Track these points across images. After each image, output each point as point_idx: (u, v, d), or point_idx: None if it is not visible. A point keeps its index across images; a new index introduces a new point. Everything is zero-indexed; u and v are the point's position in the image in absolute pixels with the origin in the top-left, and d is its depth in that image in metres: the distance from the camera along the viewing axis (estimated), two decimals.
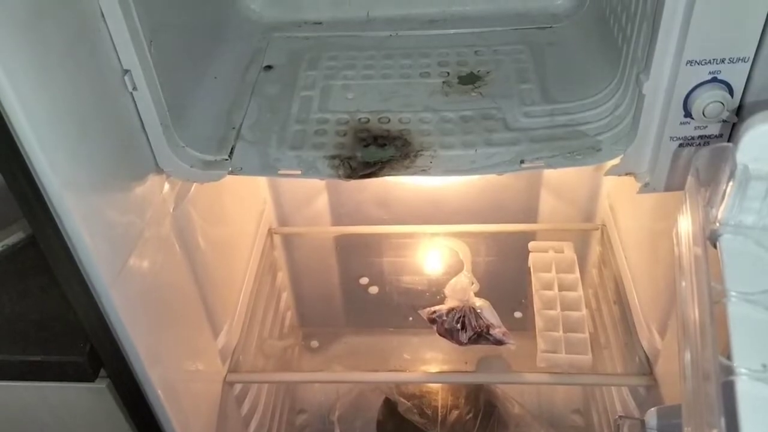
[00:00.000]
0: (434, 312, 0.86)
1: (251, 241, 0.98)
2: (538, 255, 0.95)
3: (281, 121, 0.66)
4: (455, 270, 0.94)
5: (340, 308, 1.09)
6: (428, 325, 0.87)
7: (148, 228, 0.60)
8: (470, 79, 0.70)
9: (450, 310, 0.85)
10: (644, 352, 0.79)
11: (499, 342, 0.83)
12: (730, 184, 0.38)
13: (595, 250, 1.02)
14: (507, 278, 0.98)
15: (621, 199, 0.92)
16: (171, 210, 0.66)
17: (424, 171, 0.59)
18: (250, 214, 1.00)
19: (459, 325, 0.83)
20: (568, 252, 0.95)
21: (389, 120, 0.65)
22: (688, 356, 0.32)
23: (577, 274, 0.91)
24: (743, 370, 0.30)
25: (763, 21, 0.46)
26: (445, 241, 1.00)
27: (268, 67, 0.74)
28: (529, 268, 0.94)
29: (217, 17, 0.76)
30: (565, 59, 0.71)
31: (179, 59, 0.63)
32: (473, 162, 0.60)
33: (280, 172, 0.61)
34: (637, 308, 0.82)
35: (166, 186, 0.64)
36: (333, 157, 0.61)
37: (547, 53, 0.73)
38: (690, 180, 0.40)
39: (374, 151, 0.61)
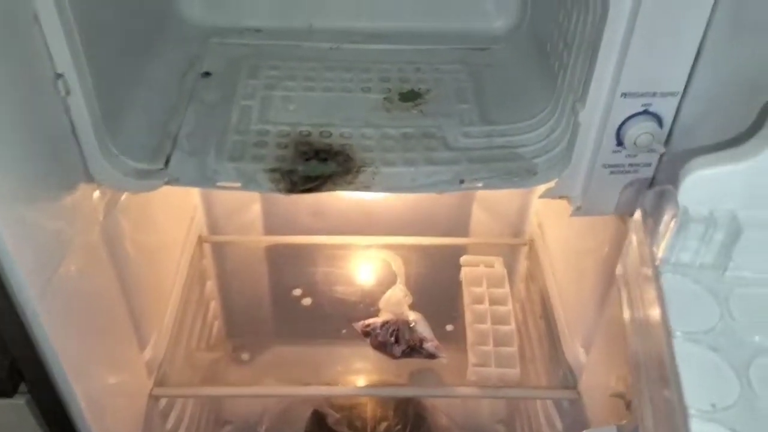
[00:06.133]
0: (368, 325, 0.86)
1: (180, 249, 0.95)
2: (470, 269, 0.96)
3: (220, 131, 0.64)
4: (389, 282, 0.95)
5: (272, 319, 1.08)
6: (361, 338, 0.87)
7: (77, 237, 0.58)
8: (411, 96, 0.70)
9: (384, 324, 0.86)
10: (569, 366, 0.81)
11: (431, 356, 0.84)
12: (672, 224, 0.39)
13: (523, 265, 1.05)
14: (439, 291, 1.00)
15: (549, 216, 0.95)
16: (101, 218, 0.63)
17: (366, 187, 0.59)
18: (180, 221, 0.97)
19: (393, 339, 0.84)
20: (499, 267, 0.97)
21: (331, 134, 0.65)
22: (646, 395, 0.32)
23: (507, 288, 0.94)
24: (693, 411, 0.31)
25: (693, 58, 0.49)
26: (379, 253, 1.01)
27: (207, 74, 0.72)
28: (461, 281, 0.95)
29: (155, 21, 0.74)
30: (502, 81, 0.73)
31: (115, 63, 0.61)
32: (414, 180, 0.61)
33: (218, 184, 0.59)
34: (563, 323, 0.84)
35: (96, 194, 0.62)
36: (273, 170, 0.60)
37: (485, 74, 0.74)
38: (636, 219, 0.41)
39: (316, 165, 0.61)
